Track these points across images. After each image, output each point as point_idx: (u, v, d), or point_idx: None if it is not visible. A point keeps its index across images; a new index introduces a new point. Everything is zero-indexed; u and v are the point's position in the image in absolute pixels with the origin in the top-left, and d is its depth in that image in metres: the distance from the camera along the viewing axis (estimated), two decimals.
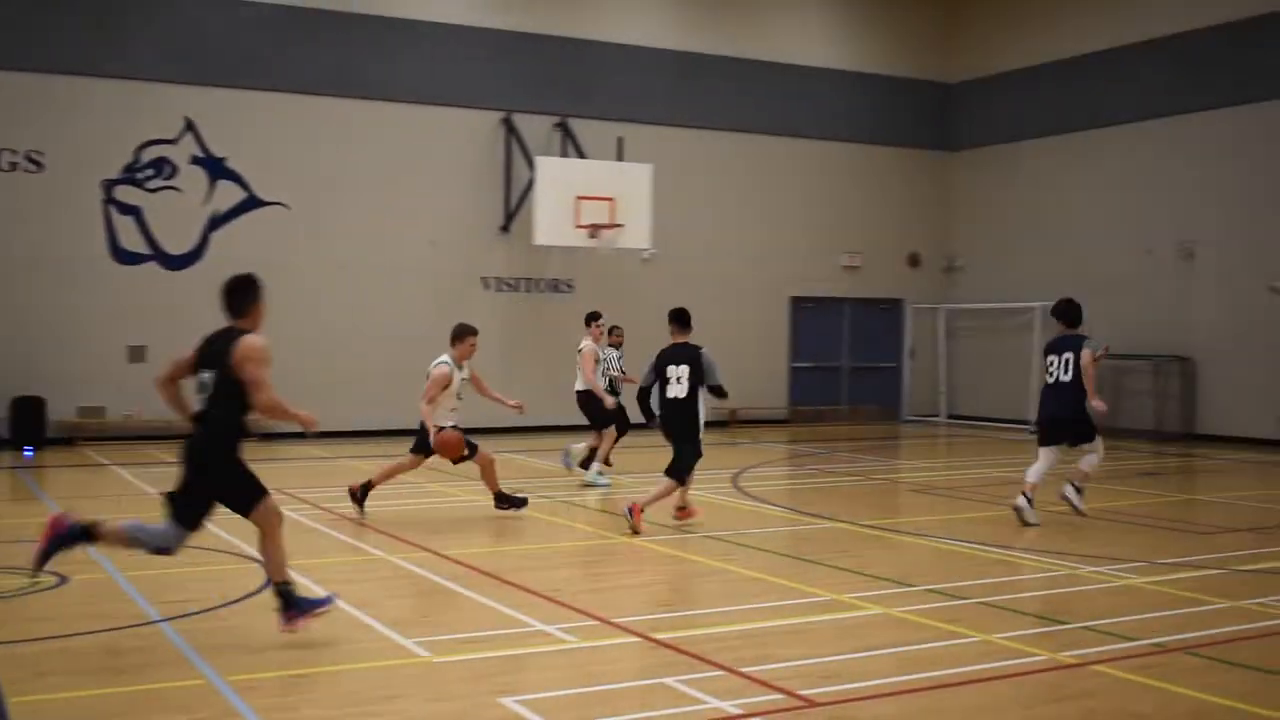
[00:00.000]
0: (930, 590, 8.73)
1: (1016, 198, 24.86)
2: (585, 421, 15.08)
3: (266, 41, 20.27)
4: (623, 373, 15.82)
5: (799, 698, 6.16)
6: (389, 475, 12.31)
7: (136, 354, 19.32)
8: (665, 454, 11.57)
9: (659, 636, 7.34)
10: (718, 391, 11.37)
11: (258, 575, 8.83)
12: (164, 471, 15.42)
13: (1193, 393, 21.45)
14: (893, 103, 25.70)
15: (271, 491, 7.35)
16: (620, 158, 21.83)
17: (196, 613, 7.88)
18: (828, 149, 24.96)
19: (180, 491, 7.15)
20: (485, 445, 12.14)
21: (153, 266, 19.57)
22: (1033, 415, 22.58)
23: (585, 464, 14.90)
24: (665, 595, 8.83)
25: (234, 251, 19.85)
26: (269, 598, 8.39)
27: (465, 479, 13.84)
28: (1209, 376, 21.25)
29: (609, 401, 14.71)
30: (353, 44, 20.85)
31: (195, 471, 7.11)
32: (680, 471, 11.37)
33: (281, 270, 19.65)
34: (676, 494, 11.52)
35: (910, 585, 8.90)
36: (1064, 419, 12.02)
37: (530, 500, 12.44)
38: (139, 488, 14.09)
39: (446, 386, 11.80)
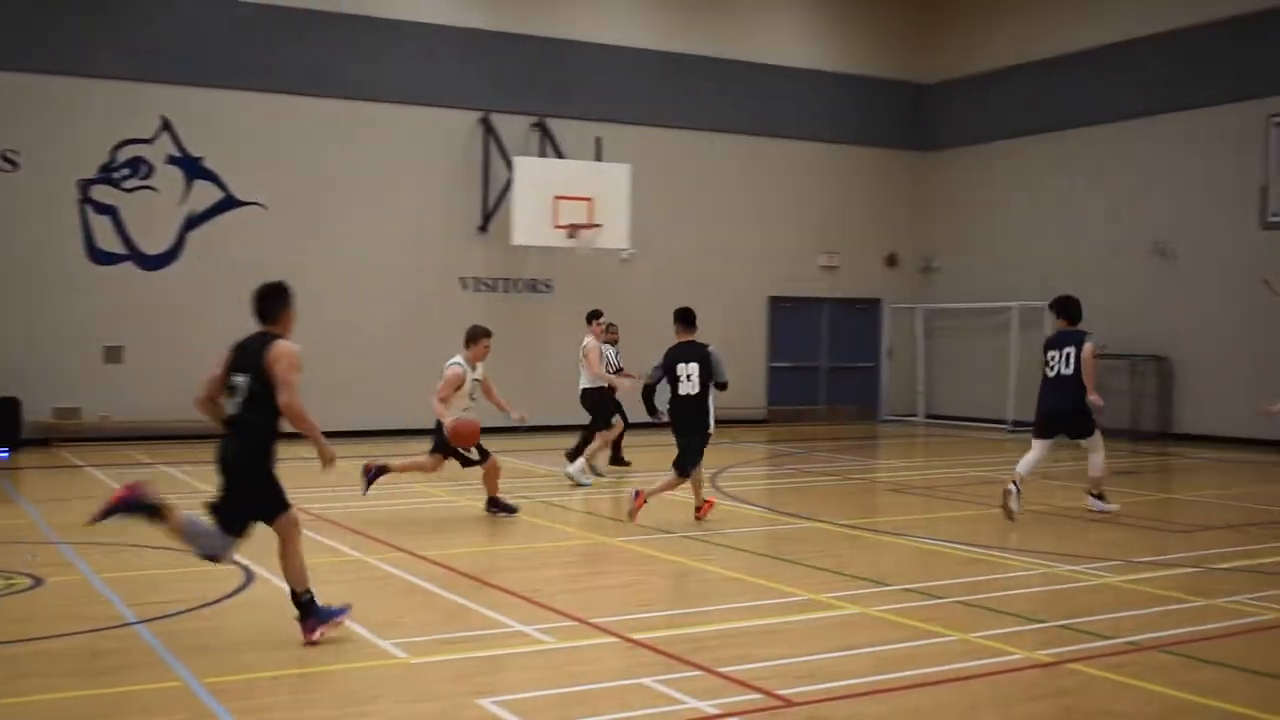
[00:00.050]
0: (908, 589, 8.75)
1: (994, 197, 24.95)
2: (579, 421, 15.19)
3: (244, 41, 20.19)
4: (620, 368, 15.99)
5: (777, 697, 6.17)
6: (407, 470, 12.38)
7: (113, 354, 19.24)
8: (671, 451, 11.91)
9: (637, 637, 7.34)
10: (722, 387, 11.81)
11: (234, 577, 8.80)
12: (140, 472, 15.40)
13: (1169, 392, 21.56)
14: (870, 103, 25.77)
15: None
16: (599, 158, 21.84)
17: (174, 614, 7.84)
18: (806, 149, 25.00)
19: (221, 502, 7.20)
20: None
21: (129, 266, 19.47)
22: (1010, 414, 22.96)
23: (573, 456, 14.97)
24: (644, 595, 8.83)
25: (211, 252, 19.84)
26: (246, 598, 8.38)
27: (448, 480, 13.80)
28: (1185, 375, 21.36)
29: (626, 384, 15.03)
30: (329, 43, 20.79)
31: (232, 478, 7.18)
32: (686, 465, 11.72)
33: (257, 270, 19.33)
34: (694, 496, 11.95)
35: (888, 585, 8.92)
36: (1064, 412, 12.18)
37: (512, 501, 12.43)
38: (114, 489, 14.00)
39: (459, 387, 11.88)
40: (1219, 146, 20.78)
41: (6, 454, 17.58)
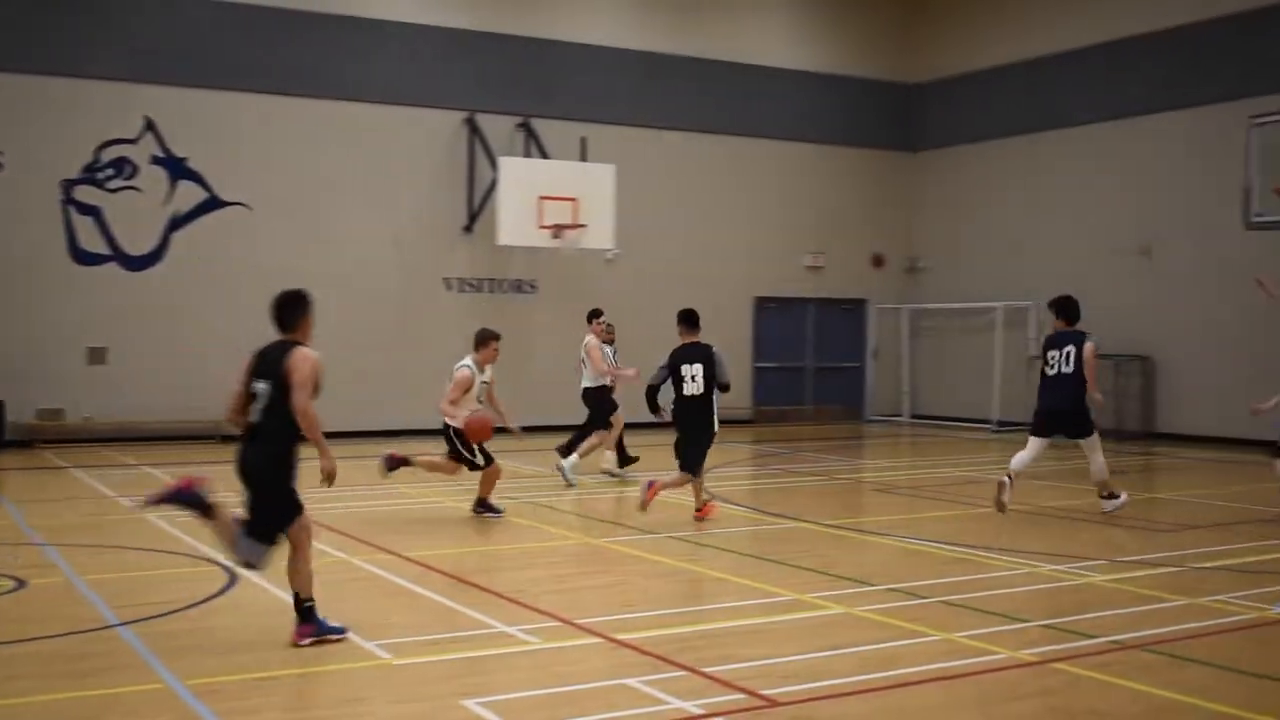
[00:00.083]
0: (892, 589, 8.76)
1: (979, 198, 25.02)
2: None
3: (227, 41, 20.12)
4: (617, 366, 16.00)
5: (761, 697, 6.18)
6: (426, 468, 12.41)
7: (96, 356, 19.16)
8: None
9: (622, 637, 7.34)
10: (724, 388, 11.95)
11: (218, 578, 8.78)
12: (123, 474, 15.36)
13: (1152, 391, 21.64)
14: (856, 104, 25.80)
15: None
16: (584, 158, 21.83)
17: (158, 616, 7.82)
18: (791, 149, 25.02)
19: (250, 515, 7.22)
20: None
21: (113, 267, 19.39)
22: (995, 415, 23.02)
23: (565, 451, 14.95)
24: (629, 596, 8.83)
25: (195, 252, 19.78)
26: (230, 600, 8.37)
27: (438, 482, 13.78)
28: (1169, 375, 21.44)
29: (628, 375, 15.02)
30: (313, 44, 20.74)
31: (254, 486, 7.21)
32: (693, 464, 11.86)
33: (241, 271, 19.60)
34: (695, 498, 12.06)
35: (872, 585, 8.94)
36: (1063, 411, 12.25)
37: (498, 503, 12.42)
38: (97, 490, 13.98)
39: (468, 390, 11.91)
40: (1201, 147, 20.84)
41: None
